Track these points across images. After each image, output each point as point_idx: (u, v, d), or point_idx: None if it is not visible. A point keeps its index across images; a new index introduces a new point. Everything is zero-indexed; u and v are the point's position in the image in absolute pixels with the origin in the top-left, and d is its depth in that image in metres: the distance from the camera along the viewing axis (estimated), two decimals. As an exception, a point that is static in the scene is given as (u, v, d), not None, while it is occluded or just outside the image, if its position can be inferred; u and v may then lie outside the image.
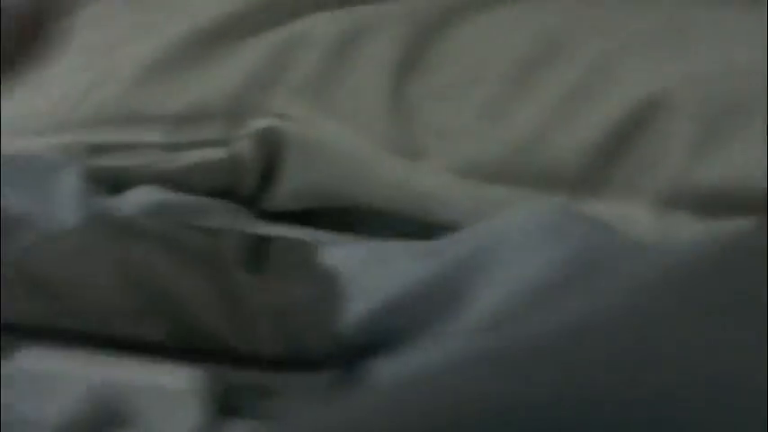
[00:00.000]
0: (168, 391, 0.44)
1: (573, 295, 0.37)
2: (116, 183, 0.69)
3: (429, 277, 0.50)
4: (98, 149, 0.71)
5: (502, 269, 0.49)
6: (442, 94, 0.70)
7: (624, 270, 0.39)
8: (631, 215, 0.63)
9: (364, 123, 0.69)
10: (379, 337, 0.48)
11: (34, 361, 0.45)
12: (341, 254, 0.54)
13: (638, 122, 0.65)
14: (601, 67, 0.68)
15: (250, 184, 0.70)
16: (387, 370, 0.46)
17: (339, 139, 0.69)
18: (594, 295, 0.36)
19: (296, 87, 0.70)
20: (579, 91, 0.68)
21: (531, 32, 0.71)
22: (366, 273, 0.51)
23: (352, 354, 0.47)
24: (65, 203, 0.62)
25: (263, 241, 0.57)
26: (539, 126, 0.67)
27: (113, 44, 0.77)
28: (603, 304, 0.33)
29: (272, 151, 0.69)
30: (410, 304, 0.49)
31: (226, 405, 0.45)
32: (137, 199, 0.67)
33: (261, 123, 0.69)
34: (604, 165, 0.65)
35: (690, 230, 0.61)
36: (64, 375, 0.44)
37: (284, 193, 0.69)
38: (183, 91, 0.72)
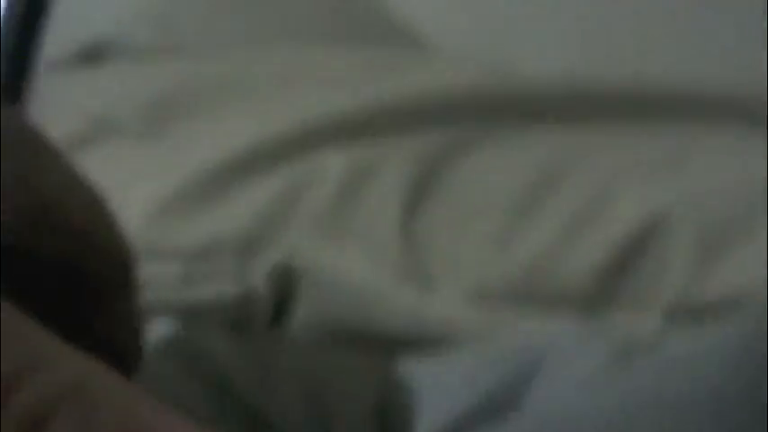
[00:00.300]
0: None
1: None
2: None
3: (491, 390, 0.51)
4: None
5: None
6: (451, 223, 0.72)
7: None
8: (638, 326, 0.64)
9: (376, 254, 0.71)
10: None
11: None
12: (414, 367, 0.55)
13: (640, 242, 0.67)
14: (602, 191, 0.71)
15: (264, 316, 0.71)
16: None
17: (352, 270, 0.70)
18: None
19: (308, 221, 0.72)
20: (582, 215, 0.70)
21: (532, 161, 0.74)
22: (435, 387, 0.52)
23: None
24: None
25: None
26: (545, 250, 0.69)
27: (126, 181, 0.79)
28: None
29: (285, 284, 0.71)
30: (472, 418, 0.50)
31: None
32: (154, 332, 0.68)
33: (274, 257, 0.71)
34: (610, 284, 0.67)
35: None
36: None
37: (298, 324, 0.70)
38: (196, 226, 0.74)
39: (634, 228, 0.68)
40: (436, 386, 0.53)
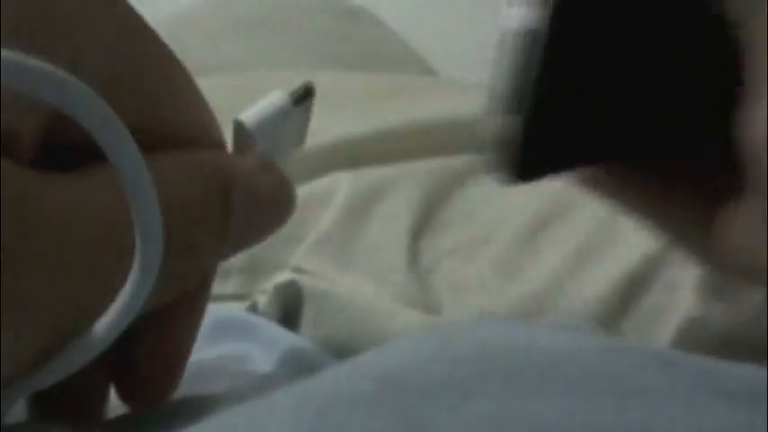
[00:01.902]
0: None
1: None
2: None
3: None
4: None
5: None
6: (457, 250, 0.73)
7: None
8: None
9: (381, 279, 0.71)
10: None
11: None
12: None
13: (644, 274, 0.68)
14: (607, 222, 0.71)
15: (268, 337, 0.71)
16: None
17: (357, 293, 0.71)
18: None
19: (314, 243, 0.72)
20: (589, 246, 0.70)
21: (539, 191, 0.75)
22: None
23: None
24: None
25: None
26: (550, 280, 0.69)
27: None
28: None
29: (290, 305, 0.71)
30: None
31: None
32: None
33: (280, 278, 0.72)
34: (614, 315, 0.68)
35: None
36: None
37: (302, 345, 0.70)
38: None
39: (640, 259, 0.68)
40: None
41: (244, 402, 0.34)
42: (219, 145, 0.45)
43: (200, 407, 0.44)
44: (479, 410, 0.32)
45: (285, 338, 0.63)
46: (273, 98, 0.47)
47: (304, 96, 0.48)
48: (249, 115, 0.46)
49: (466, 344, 0.36)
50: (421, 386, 0.33)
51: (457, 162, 0.77)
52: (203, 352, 0.57)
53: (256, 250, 0.75)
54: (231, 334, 0.62)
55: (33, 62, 0.30)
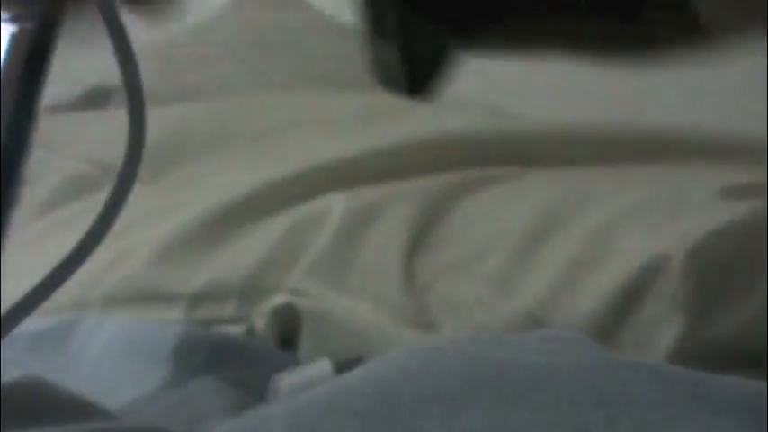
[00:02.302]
0: None
1: None
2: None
3: None
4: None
5: None
6: (452, 266, 0.73)
7: None
8: None
9: (378, 298, 0.71)
10: None
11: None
12: None
13: (639, 286, 0.68)
14: (601, 235, 0.71)
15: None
16: None
17: (354, 312, 0.71)
18: None
19: (310, 265, 0.73)
20: (582, 259, 0.70)
21: (532, 206, 0.75)
22: None
23: None
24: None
25: None
26: (546, 294, 0.69)
27: (129, 226, 0.80)
28: None
29: (288, 327, 0.71)
30: None
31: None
32: None
33: (277, 300, 0.72)
34: (609, 327, 0.68)
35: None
36: None
37: (300, 367, 0.70)
38: (200, 270, 0.75)
39: (634, 271, 0.68)
40: None
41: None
42: None
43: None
44: (468, 422, 0.32)
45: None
46: (319, 367, 0.48)
47: (351, 367, 0.49)
48: (290, 380, 0.47)
49: (455, 358, 0.37)
50: (411, 399, 0.34)
51: (450, 179, 0.78)
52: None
53: (253, 273, 0.75)
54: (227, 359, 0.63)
55: None
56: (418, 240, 0.74)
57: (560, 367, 0.36)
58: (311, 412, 0.34)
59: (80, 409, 0.51)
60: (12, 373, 0.54)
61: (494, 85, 0.92)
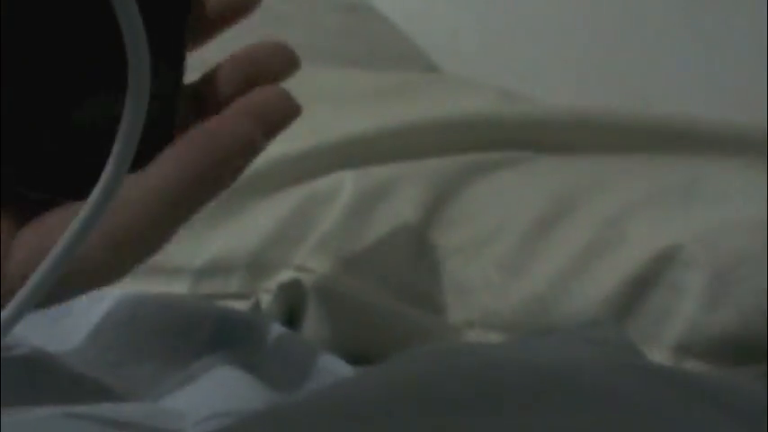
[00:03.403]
0: None
1: None
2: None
3: None
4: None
5: None
6: (462, 249, 0.72)
7: None
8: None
9: (386, 277, 0.71)
10: None
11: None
12: None
13: (650, 275, 0.68)
14: (613, 223, 0.71)
15: (271, 335, 0.71)
16: None
17: (360, 291, 0.70)
18: None
19: (318, 242, 0.72)
20: (594, 246, 0.70)
21: (545, 191, 0.74)
22: None
23: None
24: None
25: None
26: (556, 279, 0.69)
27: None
28: None
29: (294, 303, 0.71)
30: None
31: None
32: None
33: (284, 276, 0.71)
34: (619, 316, 0.67)
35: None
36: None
37: (306, 343, 0.70)
38: (206, 244, 0.74)
39: (646, 260, 0.68)
40: None
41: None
42: None
43: None
44: (483, 425, 0.32)
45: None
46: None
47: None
48: None
49: (469, 361, 0.37)
50: (426, 401, 0.33)
51: (463, 161, 0.77)
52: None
53: (260, 249, 0.75)
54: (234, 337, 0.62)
55: None
56: (428, 221, 0.73)
57: (575, 371, 0.36)
58: (328, 412, 0.33)
59: (83, 385, 0.50)
60: (11, 341, 0.53)
61: (506, 66, 0.91)
